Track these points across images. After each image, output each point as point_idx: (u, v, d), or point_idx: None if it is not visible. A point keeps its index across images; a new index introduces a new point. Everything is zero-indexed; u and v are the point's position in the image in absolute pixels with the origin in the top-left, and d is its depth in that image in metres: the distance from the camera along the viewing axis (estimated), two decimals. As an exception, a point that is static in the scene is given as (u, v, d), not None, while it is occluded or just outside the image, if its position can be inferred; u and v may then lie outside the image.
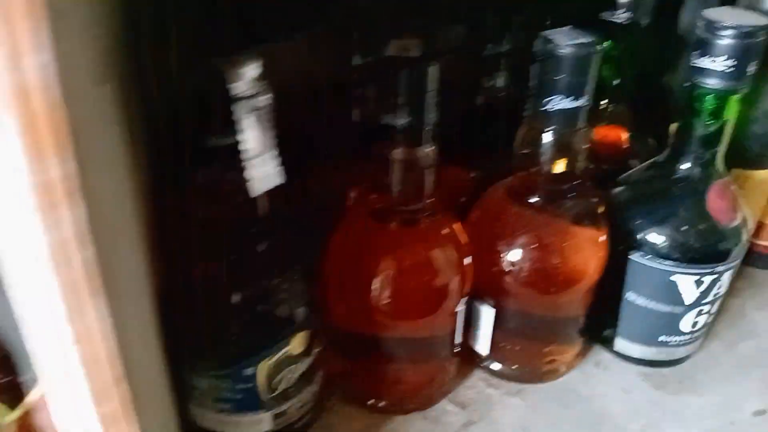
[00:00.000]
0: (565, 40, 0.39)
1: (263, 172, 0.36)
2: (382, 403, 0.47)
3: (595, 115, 0.53)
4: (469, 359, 0.51)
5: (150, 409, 0.32)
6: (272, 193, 0.37)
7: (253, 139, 0.34)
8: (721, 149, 0.45)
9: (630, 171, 0.50)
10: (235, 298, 0.38)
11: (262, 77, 0.34)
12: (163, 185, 0.38)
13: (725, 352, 0.54)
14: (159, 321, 0.37)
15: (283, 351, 0.40)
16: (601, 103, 0.53)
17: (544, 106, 0.41)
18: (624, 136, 0.54)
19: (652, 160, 0.48)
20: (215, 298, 0.39)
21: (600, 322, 0.52)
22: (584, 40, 0.39)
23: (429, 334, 0.45)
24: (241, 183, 0.35)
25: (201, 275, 0.39)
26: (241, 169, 0.35)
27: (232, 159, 0.34)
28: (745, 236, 0.47)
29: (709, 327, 0.52)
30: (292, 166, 0.37)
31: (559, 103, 0.41)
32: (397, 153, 0.39)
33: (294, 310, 0.40)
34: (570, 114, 0.41)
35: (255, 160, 0.35)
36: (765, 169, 0.55)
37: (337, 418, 0.47)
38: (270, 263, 0.40)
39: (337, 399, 0.48)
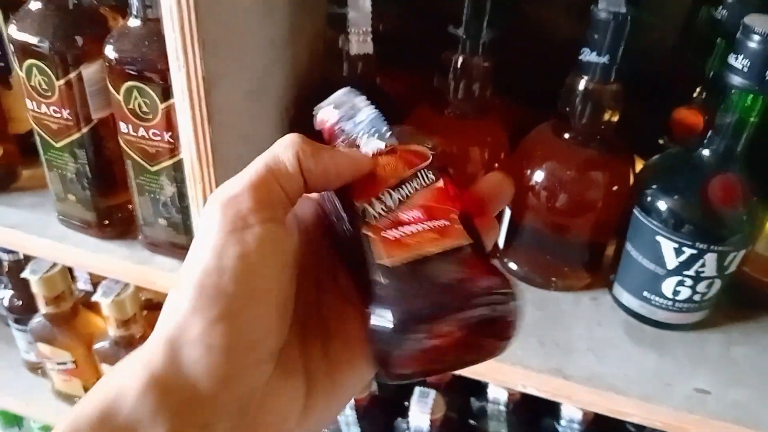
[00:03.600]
0: (607, 5, 0.49)
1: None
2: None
3: (684, 97, 0.60)
4: (492, 251, 0.64)
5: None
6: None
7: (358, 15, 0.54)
8: (740, 145, 0.49)
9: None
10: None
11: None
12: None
13: (718, 345, 0.57)
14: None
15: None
16: (697, 89, 0.59)
17: (580, 55, 0.52)
18: (701, 124, 0.59)
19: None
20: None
21: (609, 268, 0.60)
22: (621, 9, 0.49)
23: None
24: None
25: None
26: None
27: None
28: (745, 229, 0.51)
29: (705, 309, 0.56)
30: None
31: (589, 55, 0.51)
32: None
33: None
34: (594, 68, 0.51)
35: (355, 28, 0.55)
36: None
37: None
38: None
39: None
